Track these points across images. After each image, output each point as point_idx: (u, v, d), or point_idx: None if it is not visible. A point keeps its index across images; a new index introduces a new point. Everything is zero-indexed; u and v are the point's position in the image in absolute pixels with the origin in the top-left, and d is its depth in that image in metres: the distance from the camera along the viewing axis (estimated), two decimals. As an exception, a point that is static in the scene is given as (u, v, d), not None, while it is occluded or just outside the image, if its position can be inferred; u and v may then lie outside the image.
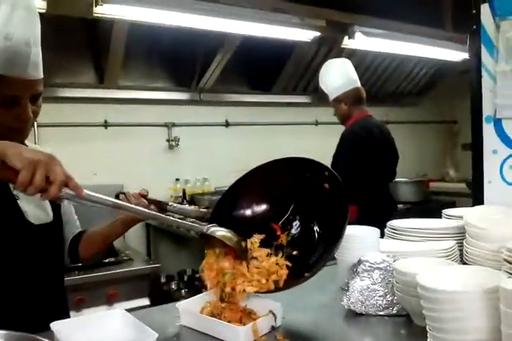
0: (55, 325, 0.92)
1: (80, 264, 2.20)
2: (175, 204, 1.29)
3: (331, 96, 2.63)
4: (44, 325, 0.91)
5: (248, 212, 1.16)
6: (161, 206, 1.27)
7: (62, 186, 0.80)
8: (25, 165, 0.77)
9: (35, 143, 2.80)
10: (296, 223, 1.12)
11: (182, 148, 3.45)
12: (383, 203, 2.57)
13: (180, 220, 1.09)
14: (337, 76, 2.59)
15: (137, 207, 1.01)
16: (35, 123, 2.86)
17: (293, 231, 1.12)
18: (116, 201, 0.93)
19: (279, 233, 1.11)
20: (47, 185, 0.78)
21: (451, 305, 0.72)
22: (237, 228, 1.06)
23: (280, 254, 1.07)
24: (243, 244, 1.06)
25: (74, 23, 2.82)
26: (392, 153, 2.68)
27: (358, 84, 2.62)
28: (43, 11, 2.19)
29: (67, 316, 1.22)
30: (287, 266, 1.04)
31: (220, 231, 1.02)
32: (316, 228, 1.09)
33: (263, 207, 1.16)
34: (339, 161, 2.41)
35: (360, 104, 2.61)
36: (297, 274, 1.02)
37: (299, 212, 1.12)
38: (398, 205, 3.28)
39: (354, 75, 2.62)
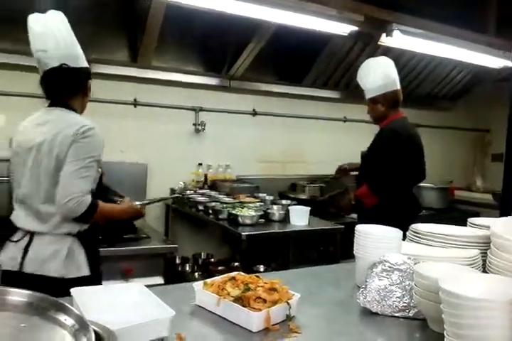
0: (75, 291, 0.95)
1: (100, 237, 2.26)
2: None
3: (368, 95, 2.55)
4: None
5: None
6: None
7: None
8: None
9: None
10: None
11: (207, 133, 3.46)
12: (409, 204, 2.53)
13: None
14: (378, 76, 2.50)
15: None
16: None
17: None
18: None
19: None
20: None
21: (473, 312, 0.71)
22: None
23: None
24: None
25: (112, -1, 2.84)
26: (422, 156, 2.63)
27: (398, 86, 2.53)
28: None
29: None
30: None
31: None
32: None
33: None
34: (374, 156, 2.39)
35: (396, 107, 2.56)
36: None
37: None
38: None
39: (395, 77, 2.53)
